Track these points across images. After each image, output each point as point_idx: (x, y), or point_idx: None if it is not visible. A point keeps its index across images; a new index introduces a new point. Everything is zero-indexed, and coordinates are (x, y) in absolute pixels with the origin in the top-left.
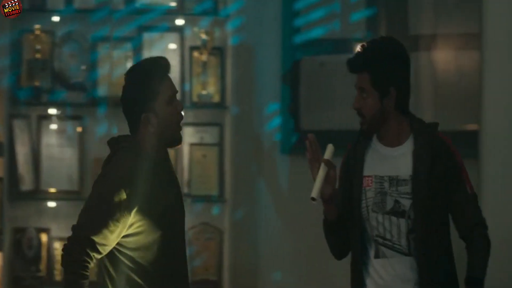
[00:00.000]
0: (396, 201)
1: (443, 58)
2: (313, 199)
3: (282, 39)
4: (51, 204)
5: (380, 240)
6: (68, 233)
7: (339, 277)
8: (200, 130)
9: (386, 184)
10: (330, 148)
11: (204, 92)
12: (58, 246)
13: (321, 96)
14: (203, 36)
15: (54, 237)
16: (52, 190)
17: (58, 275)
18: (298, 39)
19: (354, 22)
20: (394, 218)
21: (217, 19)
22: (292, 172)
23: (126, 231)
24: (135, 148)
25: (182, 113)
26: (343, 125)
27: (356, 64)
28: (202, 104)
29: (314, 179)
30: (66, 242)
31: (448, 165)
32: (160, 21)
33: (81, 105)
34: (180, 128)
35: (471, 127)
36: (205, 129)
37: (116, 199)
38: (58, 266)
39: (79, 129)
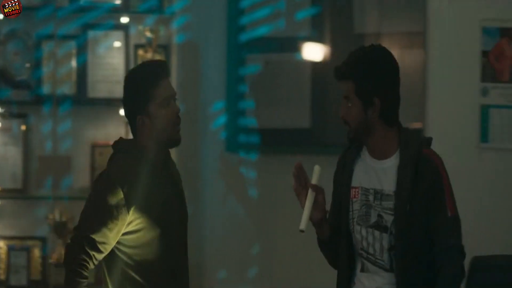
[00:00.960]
0: (380, 216)
1: None
2: (301, 231)
3: (227, 38)
4: None
5: (364, 254)
6: (12, 231)
7: (283, 275)
8: None
9: (371, 197)
10: (316, 170)
11: None
12: (1, 245)
13: (266, 94)
14: (148, 34)
15: None
16: None
17: (2, 274)
18: (244, 37)
19: (299, 20)
20: (377, 233)
21: (162, 17)
22: (237, 170)
23: (125, 229)
24: (132, 149)
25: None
26: (287, 123)
27: (341, 72)
28: None
29: (302, 207)
30: (68, 242)
31: (432, 185)
32: (105, 19)
33: (26, 103)
34: (177, 130)
35: (416, 125)
36: None
37: (114, 198)
38: (2, 265)
39: (23, 127)
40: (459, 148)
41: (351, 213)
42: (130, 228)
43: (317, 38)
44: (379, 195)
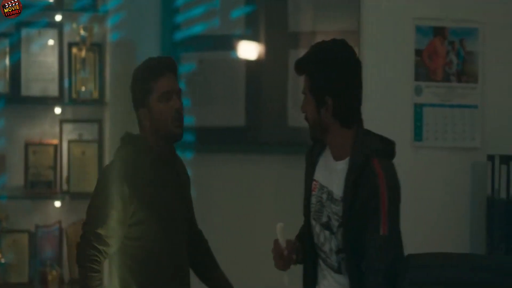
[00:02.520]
0: (329, 217)
1: None
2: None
3: (162, 36)
4: None
5: (318, 250)
6: None
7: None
8: (79, 127)
9: (324, 196)
10: (279, 229)
11: (83, 89)
12: None
13: (200, 93)
14: (82, 33)
15: None
16: None
17: None
18: (178, 35)
19: (233, 19)
20: (327, 233)
21: (96, 15)
22: None
23: (129, 220)
24: (137, 142)
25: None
26: (221, 122)
27: (297, 66)
28: (81, 101)
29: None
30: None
31: (369, 200)
32: (39, 17)
33: None
34: (177, 125)
35: None
36: (83, 125)
37: (117, 190)
38: None
39: None
40: None
41: (312, 205)
42: (133, 220)
43: (251, 36)
44: (330, 196)
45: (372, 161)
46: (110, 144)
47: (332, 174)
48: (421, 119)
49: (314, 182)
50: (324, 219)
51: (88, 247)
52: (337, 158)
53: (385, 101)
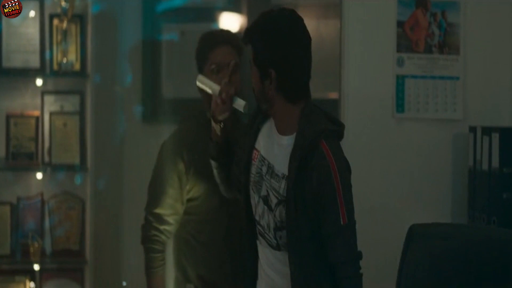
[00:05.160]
0: (268, 192)
1: None
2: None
3: (143, 8)
4: None
5: (256, 224)
6: None
7: None
8: (60, 99)
9: (264, 168)
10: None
11: (64, 61)
12: None
13: (182, 64)
14: (63, 4)
15: None
16: None
17: None
18: (160, 7)
19: None
20: (265, 207)
21: None
22: (153, 141)
23: (187, 195)
24: (197, 115)
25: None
26: None
27: (243, 36)
28: (63, 73)
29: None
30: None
31: (323, 185)
32: None
33: None
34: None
35: (333, 95)
36: (65, 97)
37: (173, 165)
38: None
39: None
40: (375, 118)
41: (251, 175)
42: (190, 195)
43: (233, 8)
44: (270, 170)
45: (321, 142)
46: (91, 116)
47: (275, 148)
48: (403, 91)
49: (255, 151)
50: (263, 193)
51: (149, 228)
52: (282, 132)
53: (367, 72)
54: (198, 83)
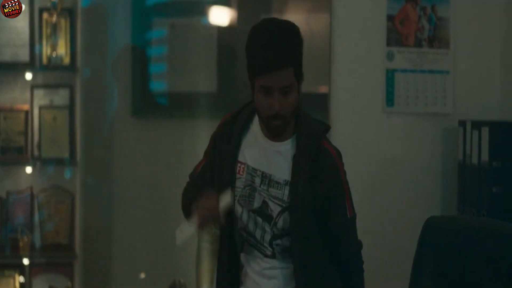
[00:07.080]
0: (265, 202)
1: (294, 20)
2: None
3: (132, 1)
4: None
5: (245, 235)
6: None
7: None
8: (50, 93)
9: (257, 180)
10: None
11: (54, 54)
12: None
13: (172, 58)
14: None
15: None
16: None
17: None
18: (150, 1)
19: None
20: (259, 219)
21: None
22: (142, 135)
23: None
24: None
25: None
26: (193, 87)
27: (282, 61)
28: (52, 67)
29: None
30: None
31: (332, 182)
32: None
33: None
34: None
35: (323, 89)
36: (55, 91)
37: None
38: None
39: None
40: (365, 112)
41: (237, 189)
42: None
43: (223, 1)
44: (266, 179)
45: (324, 144)
46: (81, 110)
47: (269, 156)
48: (393, 85)
49: (240, 164)
50: (257, 205)
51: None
52: (276, 139)
53: (357, 66)
54: (178, 243)
